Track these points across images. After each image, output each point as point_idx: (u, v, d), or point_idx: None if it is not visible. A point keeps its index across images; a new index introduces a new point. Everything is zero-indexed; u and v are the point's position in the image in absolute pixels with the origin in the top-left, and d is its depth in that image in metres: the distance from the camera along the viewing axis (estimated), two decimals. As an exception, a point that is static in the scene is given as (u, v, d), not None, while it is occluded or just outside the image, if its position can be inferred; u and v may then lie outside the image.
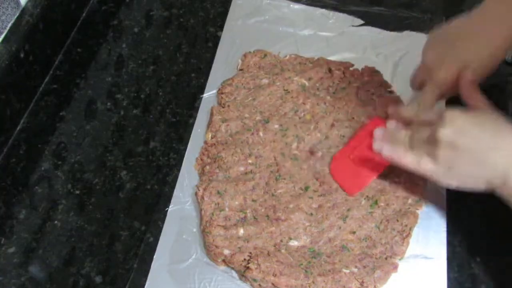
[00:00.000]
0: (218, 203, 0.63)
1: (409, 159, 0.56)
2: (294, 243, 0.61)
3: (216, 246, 0.60)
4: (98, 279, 0.60)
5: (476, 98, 0.55)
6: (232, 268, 0.60)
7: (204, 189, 0.64)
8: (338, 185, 0.65)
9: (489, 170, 0.52)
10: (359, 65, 0.76)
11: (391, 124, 0.61)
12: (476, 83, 0.55)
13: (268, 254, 0.59)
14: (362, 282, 0.58)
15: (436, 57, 0.59)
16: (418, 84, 0.64)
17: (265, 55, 0.77)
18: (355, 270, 0.59)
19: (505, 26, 0.57)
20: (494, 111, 0.55)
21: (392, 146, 0.58)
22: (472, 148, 0.52)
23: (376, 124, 0.65)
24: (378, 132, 0.61)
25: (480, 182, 0.53)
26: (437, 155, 0.54)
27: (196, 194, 0.65)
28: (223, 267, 0.60)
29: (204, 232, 0.61)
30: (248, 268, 0.58)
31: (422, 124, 0.57)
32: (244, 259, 0.59)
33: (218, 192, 0.64)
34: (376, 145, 0.61)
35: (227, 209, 0.63)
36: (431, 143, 0.54)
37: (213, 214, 0.62)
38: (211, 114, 0.71)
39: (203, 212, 0.63)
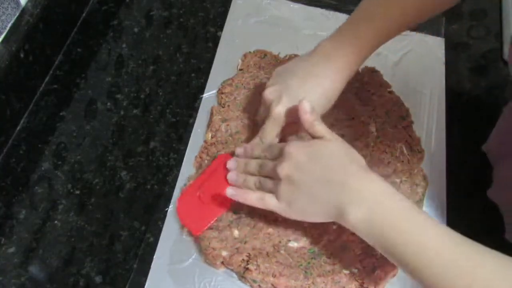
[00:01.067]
0: None
1: (253, 197, 0.56)
2: (293, 244, 0.61)
3: (213, 249, 0.59)
4: (98, 279, 0.60)
5: (317, 128, 0.55)
6: (232, 270, 0.60)
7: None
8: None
9: (323, 204, 0.52)
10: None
11: (240, 150, 0.61)
12: (315, 112, 0.55)
13: (267, 254, 0.59)
14: (362, 283, 0.58)
15: (274, 93, 0.60)
16: (261, 119, 0.64)
17: (265, 55, 0.77)
18: (355, 270, 0.59)
19: (333, 64, 0.59)
20: (337, 138, 0.55)
21: (238, 183, 0.59)
22: (306, 183, 0.52)
23: (222, 159, 0.63)
24: (231, 163, 0.60)
25: (319, 216, 0.54)
26: (278, 191, 0.54)
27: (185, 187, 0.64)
28: (223, 269, 0.60)
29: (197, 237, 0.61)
30: (247, 269, 0.58)
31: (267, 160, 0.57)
32: (243, 260, 0.59)
33: None
34: (230, 176, 0.60)
35: None
36: (273, 179, 0.55)
37: None
38: (211, 114, 0.71)
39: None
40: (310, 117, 0.55)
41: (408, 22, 0.61)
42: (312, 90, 0.58)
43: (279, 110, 0.59)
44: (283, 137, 0.62)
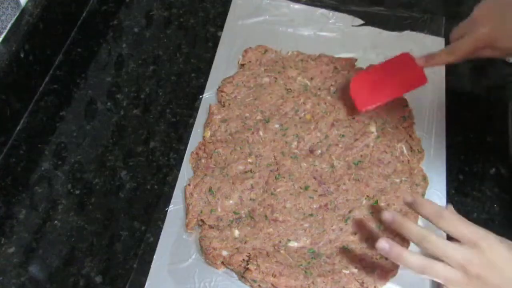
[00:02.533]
0: (209, 202, 0.63)
1: (416, 261, 0.51)
2: (293, 244, 0.61)
3: (214, 248, 0.59)
4: (98, 279, 0.60)
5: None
6: (232, 270, 0.60)
7: (195, 185, 0.64)
8: (351, 101, 0.69)
9: None
10: (359, 65, 0.76)
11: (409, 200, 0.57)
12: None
13: (267, 254, 0.59)
14: (362, 282, 0.58)
15: (486, 14, 0.60)
16: (458, 35, 0.64)
17: (266, 50, 0.77)
18: (355, 270, 0.59)
19: None
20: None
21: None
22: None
23: (404, 58, 0.68)
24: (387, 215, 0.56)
25: None
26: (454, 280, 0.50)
27: (185, 188, 0.64)
28: (223, 269, 0.60)
29: (197, 234, 0.61)
30: (247, 269, 0.58)
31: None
32: (243, 260, 0.59)
33: (210, 190, 0.63)
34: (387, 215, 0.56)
35: (219, 209, 0.63)
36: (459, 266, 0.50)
37: (201, 212, 0.62)
38: (210, 113, 0.71)
39: (190, 207, 0.62)
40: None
41: None
42: None
43: (485, 30, 0.59)
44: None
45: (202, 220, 0.62)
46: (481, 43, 0.60)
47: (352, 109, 0.71)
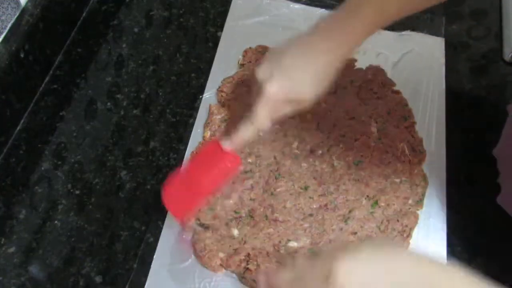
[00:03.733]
0: (208, 201, 0.63)
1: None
2: (293, 244, 0.61)
3: (209, 250, 0.59)
4: (98, 279, 0.60)
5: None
6: (232, 272, 0.60)
7: None
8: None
9: None
10: (359, 65, 0.76)
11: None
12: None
13: (268, 254, 0.59)
14: None
15: (266, 72, 0.56)
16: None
17: (266, 50, 0.77)
18: None
19: (328, 42, 0.55)
20: None
21: None
22: None
23: (211, 143, 0.62)
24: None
25: None
26: None
27: None
28: (222, 272, 0.60)
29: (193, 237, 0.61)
30: (247, 269, 0.58)
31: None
32: (242, 259, 0.59)
33: None
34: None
35: (218, 207, 0.62)
36: None
37: (199, 211, 0.62)
38: (210, 113, 0.71)
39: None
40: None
41: (411, 4, 0.58)
42: (305, 68, 0.55)
43: (270, 89, 0.55)
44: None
45: (199, 220, 0.62)
46: (272, 104, 0.56)
47: (353, 109, 0.71)
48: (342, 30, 0.55)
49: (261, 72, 0.57)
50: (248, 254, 0.59)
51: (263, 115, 0.57)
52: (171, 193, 0.59)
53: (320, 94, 0.57)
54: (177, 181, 0.60)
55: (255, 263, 0.58)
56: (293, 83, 0.56)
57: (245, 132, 0.58)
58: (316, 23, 0.57)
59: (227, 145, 0.58)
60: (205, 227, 0.61)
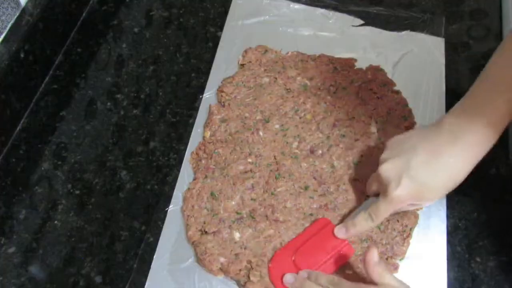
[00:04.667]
0: (212, 208, 0.63)
1: None
2: None
3: (210, 254, 0.59)
4: (98, 279, 0.60)
5: (387, 279, 0.51)
6: (231, 278, 0.59)
7: (197, 195, 0.64)
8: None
9: None
10: (359, 65, 0.76)
11: (303, 275, 0.57)
12: (381, 263, 0.52)
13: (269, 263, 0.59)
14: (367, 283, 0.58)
15: (393, 172, 0.55)
16: (373, 192, 0.61)
17: (266, 50, 0.77)
18: (357, 270, 0.59)
19: (461, 143, 0.52)
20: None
21: None
22: None
23: (321, 224, 0.61)
24: (288, 277, 0.57)
25: None
26: None
27: (184, 196, 0.64)
28: (221, 276, 0.60)
29: (193, 242, 0.61)
30: (249, 278, 0.58)
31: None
32: (243, 268, 0.58)
33: (212, 194, 0.63)
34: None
35: (222, 211, 0.63)
36: None
37: (204, 223, 0.62)
38: (210, 113, 0.71)
39: (192, 219, 0.62)
40: (379, 268, 0.51)
41: None
42: (438, 173, 0.53)
43: (398, 193, 0.54)
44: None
45: (204, 230, 0.62)
46: (398, 205, 0.56)
47: (353, 109, 0.71)
48: (475, 126, 0.51)
49: (387, 172, 0.55)
50: (250, 262, 0.59)
51: (384, 214, 0.57)
52: (279, 275, 0.58)
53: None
54: (286, 263, 0.58)
55: (257, 273, 0.58)
56: (423, 190, 0.54)
57: (363, 226, 0.58)
58: (444, 119, 0.55)
59: (342, 235, 0.59)
60: (208, 232, 0.61)
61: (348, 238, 0.59)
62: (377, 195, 0.59)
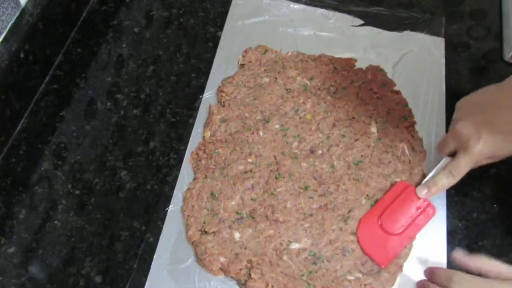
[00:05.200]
0: (212, 208, 0.63)
1: None
2: (295, 246, 0.61)
3: (210, 254, 0.59)
4: (98, 279, 0.60)
5: (476, 264, 0.51)
6: (231, 278, 0.59)
7: (197, 195, 0.64)
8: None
9: None
10: (359, 65, 0.76)
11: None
12: (467, 257, 0.52)
13: (271, 263, 0.59)
14: (372, 287, 0.58)
15: (470, 128, 0.57)
16: (448, 151, 0.61)
17: (266, 50, 0.77)
18: (360, 275, 0.58)
19: None
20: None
21: None
22: None
23: (401, 187, 0.63)
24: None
25: None
26: None
27: (184, 196, 0.64)
28: (221, 276, 0.60)
29: (193, 242, 0.61)
30: (250, 276, 0.58)
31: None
32: (243, 267, 0.59)
33: (212, 194, 0.63)
34: None
35: (222, 211, 0.63)
36: None
37: (204, 223, 0.62)
38: (210, 113, 0.71)
39: (192, 219, 0.62)
40: (465, 261, 0.51)
41: None
42: None
43: (480, 148, 0.56)
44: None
45: (204, 230, 0.62)
46: (478, 160, 0.58)
47: (353, 109, 0.71)
48: None
49: (466, 129, 0.58)
50: (250, 261, 0.59)
51: (465, 170, 0.59)
52: (368, 241, 0.61)
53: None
54: (373, 229, 0.61)
55: (258, 271, 0.58)
56: (503, 144, 0.56)
57: (444, 184, 0.60)
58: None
59: (424, 194, 0.61)
60: (208, 232, 0.61)
61: (429, 197, 0.61)
62: (452, 155, 0.61)
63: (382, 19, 0.82)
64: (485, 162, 0.61)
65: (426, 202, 0.62)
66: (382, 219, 0.62)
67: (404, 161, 0.67)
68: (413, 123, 0.70)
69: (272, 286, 0.57)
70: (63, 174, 0.67)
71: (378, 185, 0.65)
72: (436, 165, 0.63)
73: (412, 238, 0.61)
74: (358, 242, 0.61)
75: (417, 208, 0.62)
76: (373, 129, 0.69)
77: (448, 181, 0.60)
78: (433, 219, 0.63)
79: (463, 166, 0.59)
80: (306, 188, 0.65)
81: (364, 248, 0.60)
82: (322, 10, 0.83)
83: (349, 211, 0.63)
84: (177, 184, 0.66)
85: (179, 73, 0.77)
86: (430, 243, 0.62)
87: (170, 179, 0.67)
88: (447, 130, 0.70)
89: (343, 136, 0.68)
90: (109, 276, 0.60)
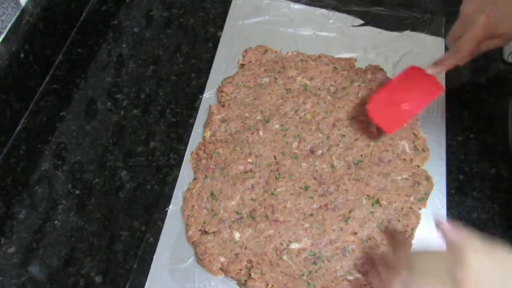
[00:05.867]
0: (212, 208, 0.63)
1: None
2: (295, 246, 0.61)
3: (210, 254, 0.59)
4: (98, 279, 0.60)
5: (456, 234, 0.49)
6: (231, 278, 0.59)
7: (197, 195, 0.64)
8: (376, 126, 0.67)
9: None
10: (359, 65, 0.76)
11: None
12: (452, 223, 0.50)
13: (271, 263, 0.59)
14: (372, 286, 0.58)
15: (476, 7, 0.60)
16: (454, 38, 0.64)
17: (266, 50, 0.77)
18: (359, 276, 0.58)
19: None
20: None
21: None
22: None
23: (409, 70, 0.68)
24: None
25: None
26: None
27: (184, 196, 0.64)
28: (221, 276, 0.60)
29: (193, 242, 0.61)
30: (250, 276, 0.58)
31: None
32: (243, 267, 0.59)
33: (212, 194, 0.63)
34: None
35: (222, 211, 0.63)
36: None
37: (204, 223, 0.62)
38: (210, 113, 0.71)
39: (192, 219, 0.62)
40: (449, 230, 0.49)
41: None
42: None
43: (482, 21, 0.59)
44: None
45: (204, 230, 0.62)
46: (481, 35, 0.61)
47: (353, 109, 0.71)
48: None
49: (468, 7, 0.61)
50: (250, 261, 0.59)
51: (469, 46, 0.61)
52: (378, 111, 0.66)
53: None
54: (383, 100, 0.67)
55: (258, 271, 0.58)
56: (504, 17, 0.59)
57: (450, 60, 0.64)
58: None
59: (431, 71, 0.66)
60: (208, 232, 0.61)
61: (436, 74, 0.66)
62: None
63: (382, 19, 0.82)
64: (486, 46, 0.62)
65: (433, 78, 0.66)
66: (392, 93, 0.66)
67: (405, 159, 0.67)
68: (416, 121, 0.70)
69: (272, 286, 0.57)
70: (63, 174, 0.67)
71: (378, 185, 0.65)
72: (439, 167, 0.64)
73: (420, 108, 0.66)
74: (367, 113, 0.66)
75: (425, 84, 0.66)
76: (373, 129, 0.69)
77: (454, 56, 0.63)
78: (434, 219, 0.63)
79: (468, 41, 0.61)
80: (306, 188, 0.64)
81: (373, 117, 0.65)
82: (322, 10, 0.83)
83: (349, 211, 0.63)
84: (177, 184, 0.66)
85: (179, 73, 0.77)
86: (430, 243, 0.62)
87: (170, 179, 0.67)
88: (447, 130, 0.70)
89: (343, 136, 0.68)
90: (109, 276, 0.60)
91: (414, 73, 0.67)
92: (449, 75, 0.76)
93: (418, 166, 0.67)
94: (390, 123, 0.66)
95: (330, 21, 0.81)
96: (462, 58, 0.63)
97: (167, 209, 0.64)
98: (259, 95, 0.72)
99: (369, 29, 0.81)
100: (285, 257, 0.60)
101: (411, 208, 0.63)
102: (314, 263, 0.59)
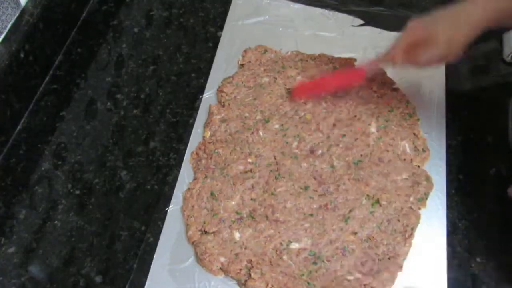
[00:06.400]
0: (212, 208, 0.63)
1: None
2: (295, 246, 0.61)
3: (210, 254, 0.59)
4: (98, 279, 0.60)
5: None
6: (231, 278, 0.59)
7: (197, 195, 0.64)
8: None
9: None
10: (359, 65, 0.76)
11: None
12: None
13: (271, 263, 0.59)
14: (372, 287, 0.58)
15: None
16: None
17: (266, 50, 0.77)
18: (360, 275, 0.58)
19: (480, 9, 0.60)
20: None
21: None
22: None
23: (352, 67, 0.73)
24: None
25: None
26: None
27: (184, 196, 0.64)
28: (221, 276, 0.60)
29: (193, 242, 0.61)
30: (250, 276, 0.58)
31: None
32: (243, 267, 0.59)
33: (212, 194, 0.64)
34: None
35: (222, 211, 0.63)
36: None
37: (204, 223, 0.62)
38: (210, 113, 0.71)
39: (192, 219, 0.62)
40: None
41: None
42: (446, 12, 0.62)
43: (415, 21, 0.63)
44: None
45: (204, 230, 0.62)
46: (412, 34, 0.63)
47: (353, 109, 0.71)
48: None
49: (410, 21, 0.64)
50: (250, 261, 0.59)
51: (399, 47, 0.63)
52: (299, 86, 0.72)
53: (455, 48, 0.61)
54: (307, 83, 0.73)
55: (258, 271, 0.58)
56: (431, 20, 0.62)
57: (381, 57, 0.66)
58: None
59: (364, 65, 0.69)
60: (208, 232, 0.61)
61: (370, 69, 0.69)
62: None
63: (382, 19, 0.82)
64: (423, 55, 0.62)
65: (360, 67, 0.71)
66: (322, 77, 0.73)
67: (405, 159, 0.67)
68: (416, 121, 0.70)
69: (272, 286, 0.57)
70: (63, 174, 0.67)
71: (378, 185, 0.65)
72: (439, 167, 0.63)
73: (334, 86, 0.71)
74: (292, 93, 0.71)
75: (349, 74, 0.72)
76: (373, 129, 0.69)
77: (384, 56, 0.65)
78: (433, 219, 0.63)
79: (399, 41, 0.63)
80: (306, 188, 0.64)
81: (294, 90, 0.71)
82: (322, 10, 0.83)
83: (349, 211, 0.63)
84: (177, 184, 0.66)
85: (179, 73, 0.77)
86: (430, 242, 0.62)
87: (170, 179, 0.67)
88: (447, 130, 0.70)
89: (343, 136, 0.68)
90: (109, 276, 0.60)
91: (351, 67, 0.74)
92: (449, 75, 0.76)
93: (418, 166, 0.67)
94: (300, 92, 0.71)
95: (330, 21, 0.81)
96: (392, 59, 0.64)
97: (167, 209, 0.64)
98: (259, 95, 0.72)
99: (369, 29, 0.81)
100: (285, 257, 0.60)
101: (411, 208, 0.63)
102: (314, 263, 0.59)
